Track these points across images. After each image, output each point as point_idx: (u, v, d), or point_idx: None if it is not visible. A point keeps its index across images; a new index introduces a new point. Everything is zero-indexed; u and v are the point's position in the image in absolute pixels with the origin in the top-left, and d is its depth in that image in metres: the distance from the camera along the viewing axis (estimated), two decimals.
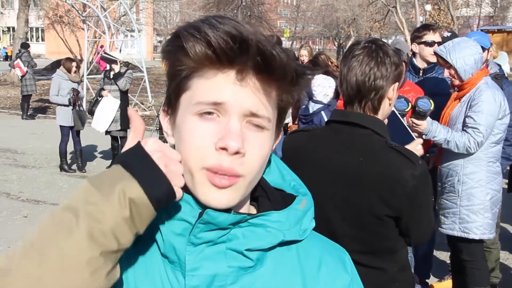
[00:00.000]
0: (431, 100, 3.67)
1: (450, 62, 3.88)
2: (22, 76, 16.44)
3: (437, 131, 3.81)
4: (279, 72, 0.92)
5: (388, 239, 2.12)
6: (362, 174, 2.07)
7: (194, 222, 0.94)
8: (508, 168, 5.03)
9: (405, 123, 3.72)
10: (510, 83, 4.94)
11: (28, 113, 16.57)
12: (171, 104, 0.98)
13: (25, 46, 17.83)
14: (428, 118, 3.77)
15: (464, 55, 3.86)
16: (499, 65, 5.52)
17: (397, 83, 2.17)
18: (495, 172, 4.01)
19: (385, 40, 2.48)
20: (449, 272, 4.87)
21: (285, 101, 0.97)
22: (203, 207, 0.94)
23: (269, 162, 1.07)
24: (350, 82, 2.13)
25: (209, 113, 0.92)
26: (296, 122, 7.84)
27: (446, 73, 3.98)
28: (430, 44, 4.54)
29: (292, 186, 1.09)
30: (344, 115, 2.17)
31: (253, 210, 1.04)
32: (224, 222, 0.93)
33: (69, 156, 10.09)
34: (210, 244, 0.95)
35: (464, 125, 3.89)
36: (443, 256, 5.72)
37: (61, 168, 9.86)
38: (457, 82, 3.95)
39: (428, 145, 4.05)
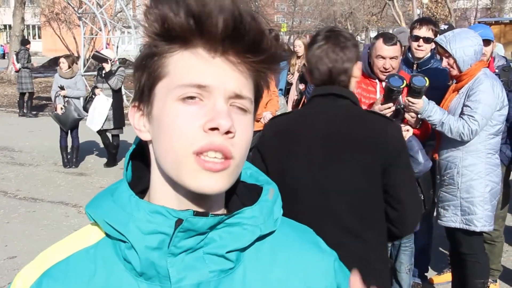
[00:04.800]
0: (426, 78, 3.65)
1: (449, 52, 3.85)
2: (16, 72, 16.44)
3: (432, 111, 3.77)
4: (267, 57, 0.89)
5: (377, 203, 2.33)
6: (352, 136, 2.32)
7: (172, 231, 0.90)
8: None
9: (401, 101, 3.70)
10: None
11: (26, 111, 16.51)
12: (144, 97, 0.93)
13: (23, 43, 17.75)
14: (424, 97, 3.75)
15: (464, 45, 3.83)
16: (505, 58, 5.49)
17: (359, 62, 2.47)
18: (494, 164, 3.98)
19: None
20: (448, 265, 4.85)
21: (262, 84, 0.95)
22: (179, 213, 0.90)
23: None
24: (321, 70, 2.38)
25: (191, 97, 0.88)
26: None
27: (444, 62, 3.95)
28: (415, 38, 4.51)
29: (250, 175, 1.05)
30: (327, 89, 2.41)
31: (224, 209, 1.01)
32: (204, 226, 0.90)
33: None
34: (189, 252, 0.91)
35: (461, 114, 3.87)
36: (442, 249, 5.70)
37: (64, 165, 9.87)
38: (455, 72, 3.92)
39: (426, 135, 4.01)
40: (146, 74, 0.91)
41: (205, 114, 0.87)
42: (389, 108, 3.59)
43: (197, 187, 0.88)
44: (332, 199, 2.29)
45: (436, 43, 4.02)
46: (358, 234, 2.30)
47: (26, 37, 26.73)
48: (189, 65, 0.88)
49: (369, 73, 3.97)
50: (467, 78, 3.90)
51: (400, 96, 3.70)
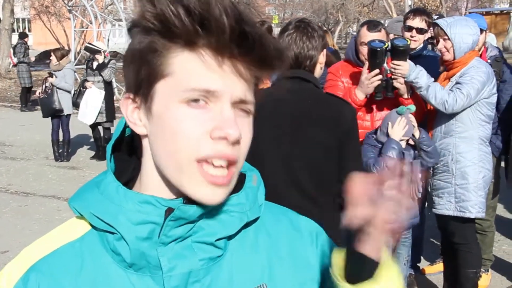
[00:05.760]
0: (407, 39, 3.65)
1: (448, 35, 3.86)
2: (14, 67, 16.31)
3: (419, 74, 3.76)
4: (273, 63, 0.89)
5: (332, 173, 2.64)
6: (313, 115, 2.66)
7: (163, 221, 0.89)
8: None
9: (386, 68, 3.70)
10: (509, 67, 4.91)
11: (25, 105, 16.34)
12: (142, 91, 0.90)
13: (21, 36, 17.54)
14: (410, 61, 3.75)
15: (463, 32, 3.84)
16: (498, 48, 5.50)
17: (325, 50, 2.81)
18: (486, 151, 4.02)
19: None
20: (440, 255, 4.88)
21: (259, 85, 0.94)
22: (169, 202, 0.90)
23: None
24: (290, 55, 2.67)
25: (196, 100, 0.86)
26: None
27: (440, 45, 3.92)
28: (409, 28, 4.51)
29: None
30: (294, 72, 2.71)
31: None
32: (194, 214, 0.90)
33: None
34: (179, 241, 0.91)
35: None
36: (434, 239, 5.73)
37: (55, 158, 9.84)
38: (449, 56, 3.91)
39: (421, 115, 4.00)
40: (145, 68, 0.88)
41: (212, 120, 0.86)
42: (377, 75, 3.62)
43: (198, 198, 0.88)
44: (295, 169, 2.64)
45: (436, 24, 4.00)
46: (316, 199, 2.62)
47: (16, 31, 26.54)
48: (197, 69, 0.86)
49: (356, 61, 4.00)
50: (459, 66, 3.90)
51: (386, 64, 3.70)
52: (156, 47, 0.86)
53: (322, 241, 1.07)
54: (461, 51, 3.87)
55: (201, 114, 0.86)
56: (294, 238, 1.04)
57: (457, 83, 3.86)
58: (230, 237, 0.96)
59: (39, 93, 9.50)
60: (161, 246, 0.90)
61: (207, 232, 0.92)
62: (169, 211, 0.89)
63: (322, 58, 2.78)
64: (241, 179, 0.99)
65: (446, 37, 3.88)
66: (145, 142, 0.94)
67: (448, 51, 3.91)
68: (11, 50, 16.49)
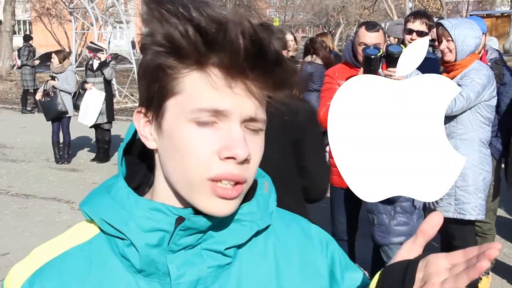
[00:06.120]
0: (402, 46, 3.64)
1: (452, 36, 3.85)
2: (18, 69, 16.29)
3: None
4: (288, 84, 0.88)
5: (293, 172, 2.69)
6: (272, 115, 2.67)
7: (173, 229, 0.90)
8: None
9: (381, 73, 3.70)
10: (509, 69, 4.91)
11: (22, 107, 16.34)
12: (153, 107, 0.90)
13: (25, 39, 17.50)
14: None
15: (467, 34, 3.85)
16: (498, 51, 5.50)
17: (284, 51, 2.76)
18: (486, 154, 4.02)
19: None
20: None
21: (271, 99, 0.92)
22: (180, 211, 0.90)
23: None
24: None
25: (205, 120, 0.86)
26: None
27: (443, 45, 3.92)
28: (409, 31, 4.52)
29: None
30: None
31: None
32: (205, 225, 0.90)
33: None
34: (188, 248, 0.91)
35: None
36: (433, 242, 5.71)
37: (56, 161, 9.84)
38: (450, 57, 3.90)
39: None
40: (157, 85, 0.87)
41: (221, 139, 0.85)
42: None
43: (208, 210, 0.88)
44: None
45: (440, 24, 4.00)
46: (280, 199, 2.58)
47: (17, 33, 26.55)
48: (206, 89, 0.85)
49: (354, 62, 4.00)
50: (460, 68, 3.90)
51: (381, 70, 3.70)
52: (165, 66, 0.85)
53: (332, 250, 1.06)
54: (463, 54, 3.87)
55: (210, 134, 0.86)
56: (304, 244, 1.04)
57: (457, 85, 3.86)
58: (240, 245, 0.96)
59: (41, 96, 9.49)
60: (170, 254, 0.91)
61: (217, 240, 0.93)
62: (180, 219, 0.90)
63: None
64: (253, 185, 0.99)
65: (449, 38, 3.88)
66: (156, 155, 0.94)
67: (450, 52, 3.90)
68: (16, 53, 16.46)
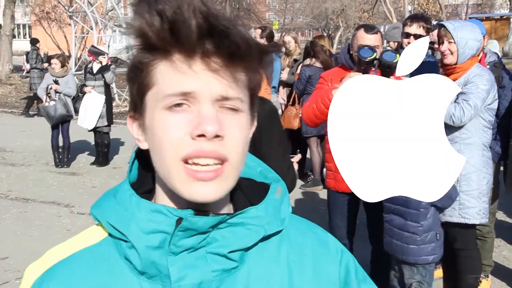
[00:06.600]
0: (398, 54, 3.61)
1: (454, 39, 3.84)
2: (27, 73, 16.27)
3: None
4: (244, 52, 0.88)
5: None
6: None
7: (172, 230, 0.90)
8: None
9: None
10: (508, 72, 4.91)
11: (30, 113, 16.25)
12: (137, 107, 0.94)
13: (33, 42, 17.46)
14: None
15: (469, 37, 3.83)
16: (497, 54, 5.50)
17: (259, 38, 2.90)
18: (488, 157, 4.03)
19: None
20: (440, 261, 4.86)
21: (253, 80, 0.93)
22: (180, 212, 0.90)
23: None
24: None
25: (178, 104, 0.88)
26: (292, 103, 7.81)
27: (444, 47, 3.90)
28: (406, 35, 4.53)
29: (259, 172, 1.05)
30: None
31: (231, 207, 1.00)
32: (204, 226, 0.90)
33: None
34: (191, 251, 0.92)
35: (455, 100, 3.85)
36: None
37: (55, 164, 9.83)
38: (451, 60, 3.88)
39: None
40: (136, 85, 0.92)
41: (192, 121, 0.87)
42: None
43: (189, 196, 0.89)
44: None
45: (442, 25, 3.99)
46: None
47: (17, 37, 26.56)
48: (172, 74, 0.88)
49: (350, 64, 4.01)
50: (461, 71, 3.89)
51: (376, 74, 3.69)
52: (139, 63, 0.90)
53: (347, 260, 1.06)
54: (465, 57, 3.85)
55: (182, 117, 0.88)
56: (319, 253, 1.03)
57: (461, 93, 3.83)
58: (249, 249, 0.96)
59: (46, 101, 9.47)
60: (171, 256, 0.91)
61: (221, 244, 0.93)
62: (180, 221, 0.90)
63: None
64: (267, 190, 1.00)
65: (451, 40, 3.86)
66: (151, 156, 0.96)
67: (451, 54, 3.88)
68: (24, 57, 16.47)
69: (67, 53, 26.62)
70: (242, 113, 0.92)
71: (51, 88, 9.51)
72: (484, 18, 28.39)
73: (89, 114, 9.31)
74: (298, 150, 8.26)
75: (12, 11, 24.74)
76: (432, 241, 3.68)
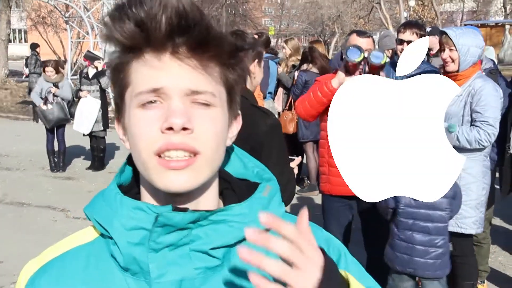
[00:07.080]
0: (385, 55, 3.60)
1: (456, 46, 3.81)
2: (26, 78, 16.32)
3: None
4: (215, 46, 0.89)
5: None
6: None
7: (151, 227, 0.91)
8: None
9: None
10: (504, 79, 4.93)
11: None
12: (119, 109, 0.97)
13: (32, 47, 17.49)
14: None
15: (471, 44, 3.81)
16: (493, 60, 5.53)
17: (256, 60, 3.02)
18: (488, 166, 4.02)
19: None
20: None
21: (230, 77, 0.94)
22: (158, 209, 0.91)
23: (229, 153, 1.05)
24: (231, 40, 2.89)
25: (151, 102, 0.90)
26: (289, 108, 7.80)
27: (446, 54, 3.88)
28: (400, 42, 4.55)
29: (256, 173, 1.05)
30: None
31: (221, 205, 1.01)
32: (181, 222, 0.90)
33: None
34: (173, 248, 0.92)
35: (472, 122, 3.82)
36: None
37: (51, 169, 9.82)
38: (453, 67, 3.86)
39: None
40: (116, 87, 0.94)
41: (162, 116, 0.89)
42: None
43: (164, 186, 0.90)
44: None
45: (443, 32, 3.98)
46: None
47: (12, 41, 26.54)
48: (144, 72, 0.90)
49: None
50: (462, 79, 3.86)
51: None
52: (117, 66, 0.93)
53: (346, 259, 1.05)
54: (466, 64, 3.82)
55: (154, 114, 0.89)
56: None
57: (476, 112, 3.80)
58: (232, 247, 0.95)
59: (43, 104, 9.45)
60: (152, 252, 0.92)
61: (204, 241, 0.93)
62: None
63: (253, 68, 3.02)
64: (254, 189, 1.00)
65: (453, 48, 3.83)
66: None
67: (453, 62, 3.85)
68: (24, 61, 16.54)
69: (63, 58, 26.60)
70: (215, 107, 0.92)
71: (49, 92, 9.49)
72: (479, 25, 28.49)
73: (85, 119, 9.30)
74: (295, 155, 8.27)
75: (8, 16, 24.71)
76: (448, 250, 3.63)
